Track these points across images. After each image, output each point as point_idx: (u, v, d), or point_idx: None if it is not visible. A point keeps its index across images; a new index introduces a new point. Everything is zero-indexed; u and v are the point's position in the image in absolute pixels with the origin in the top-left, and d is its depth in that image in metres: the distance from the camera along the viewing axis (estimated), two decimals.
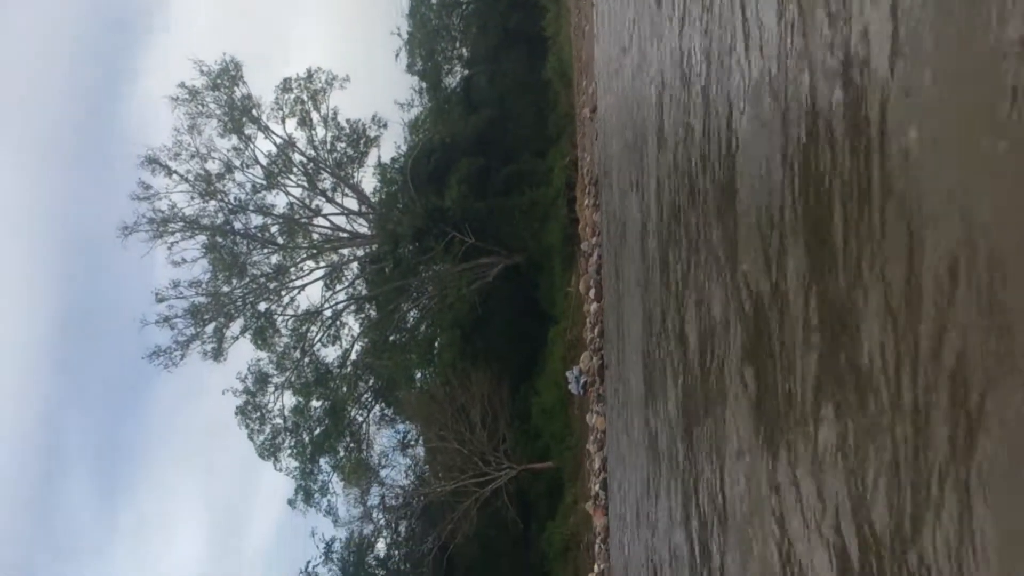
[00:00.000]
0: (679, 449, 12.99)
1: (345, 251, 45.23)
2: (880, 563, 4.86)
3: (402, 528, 42.02)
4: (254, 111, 43.95)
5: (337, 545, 40.61)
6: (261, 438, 42.18)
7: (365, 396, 44.19)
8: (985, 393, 3.55)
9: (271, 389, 42.85)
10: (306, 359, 43.20)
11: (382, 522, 41.29)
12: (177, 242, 42.77)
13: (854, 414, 5.30)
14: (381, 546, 42.04)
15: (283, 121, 44.74)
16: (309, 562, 40.09)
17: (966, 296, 3.66)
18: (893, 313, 4.44)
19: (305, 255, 44.60)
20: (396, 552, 42.18)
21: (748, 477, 8.91)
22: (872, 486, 4.95)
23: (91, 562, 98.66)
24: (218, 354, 42.41)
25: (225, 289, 42.58)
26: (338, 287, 44.71)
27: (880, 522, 4.79)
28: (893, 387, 4.63)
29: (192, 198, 43.57)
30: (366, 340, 43.74)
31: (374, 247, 43.56)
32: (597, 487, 26.31)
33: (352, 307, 44.68)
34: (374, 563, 41.47)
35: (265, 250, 43.97)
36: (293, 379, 42.85)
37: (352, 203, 46.93)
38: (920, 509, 4.37)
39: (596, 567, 26.74)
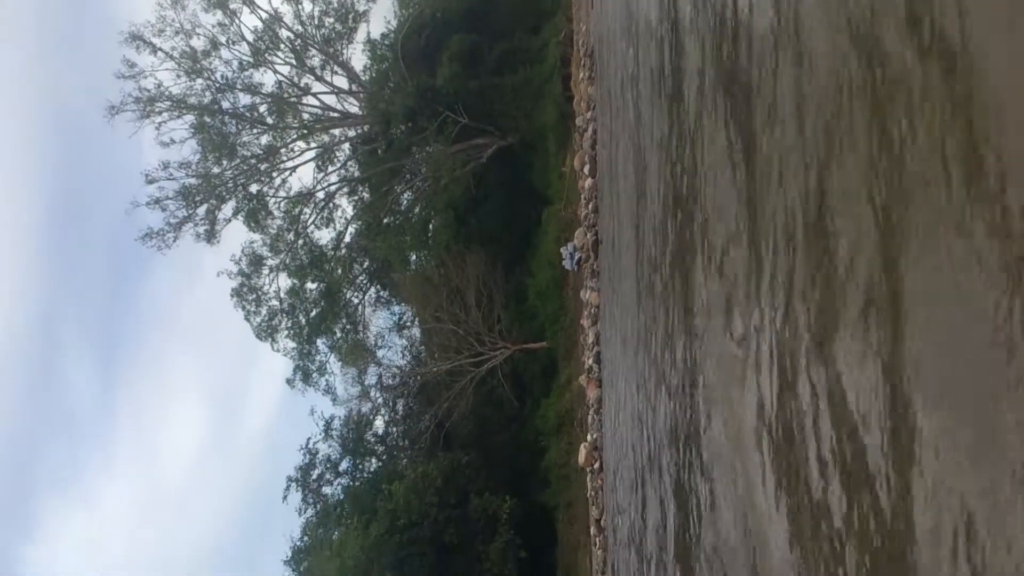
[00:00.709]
0: (670, 318, 13.00)
1: (336, 131, 44.46)
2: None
3: (400, 406, 42.93)
4: None
5: (336, 423, 41.56)
6: (258, 320, 42.57)
7: (360, 278, 44.34)
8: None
9: (266, 271, 42.96)
10: (300, 241, 43.09)
11: (380, 401, 42.15)
12: (165, 122, 41.99)
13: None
14: (379, 424, 43.06)
15: None
16: (309, 439, 41.10)
17: None
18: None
19: (295, 136, 43.85)
20: (394, 429, 43.20)
21: (731, 336, 8.89)
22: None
23: (94, 443, 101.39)
24: (211, 236, 42.29)
25: (215, 171, 42.05)
26: (330, 169, 44.20)
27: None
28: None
29: (178, 76, 42.55)
30: (360, 222, 43.54)
31: (365, 127, 42.80)
32: (591, 361, 26.69)
33: (345, 189, 44.29)
34: (373, 440, 42.51)
35: (254, 130, 43.19)
36: (288, 261, 42.87)
37: (342, 82, 45.88)
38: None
39: (589, 437, 27.38)
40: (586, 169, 28.31)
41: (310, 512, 40.33)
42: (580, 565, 34.16)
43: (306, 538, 39.71)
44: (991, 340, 3.32)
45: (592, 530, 28.22)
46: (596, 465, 26.35)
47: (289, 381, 42.47)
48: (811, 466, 6.22)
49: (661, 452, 13.17)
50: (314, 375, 42.04)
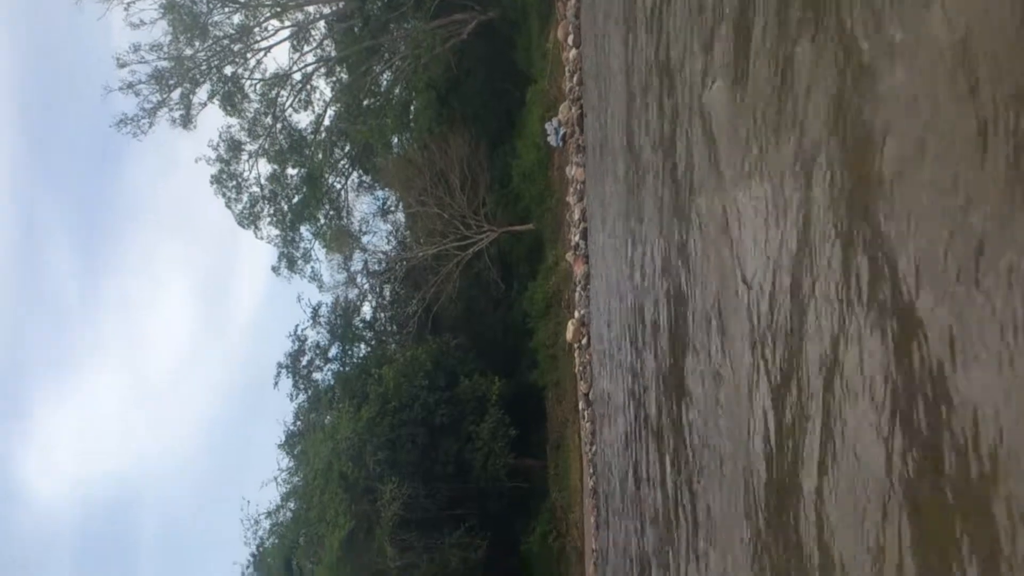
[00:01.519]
0: (657, 187, 12.66)
1: (311, 8, 42.58)
2: None
3: (387, 292, 42.90)
4: None
5: (324, 309, 41.58)
6: (239, 207, 41.88)
7: (342, 163, 43.48)
8: None
9: (245, 157, 41.99)
10: (278, 125, 41.94)
11: (366, 287, 42.08)
12: (133, 2, 40.06)
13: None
14: (367, 309, 43.13)
15: None
16: (297, 326, 41.20)
17: None
18: None
19: (269, 13, 42.00)
20: (382, 315, 43.31)
21: (715, 201, 8.60)
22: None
23: (81, 333, 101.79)
24: (187, 121, 41.06)
25: (188, 52, 40.44)
26: (306, 48, 42.57)
27: None
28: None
29: None
30: (339, 105, 42.33)
31: (341, 3, 41.06)
32: (577, 237, 26.49)
33: (322, 70, 42.80)
34: (361, 325, 42.66)
35: (226, 9, 41.32)
36: (267, 146, 41.85)
37: None
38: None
39: (576, 313, 27.45)
40: (570, 39, 27.34)
41: (301, 398, 40.83)
42: (569, 441, 34.91)
43: (299, 422, 40.30)
44: None
45: (580, 404, 28.66)
46: (583, 341, 26.51)
47: (274, 268, 42.24)
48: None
49: (648, 315, 13.06)
50: (299, 262, 41.75)
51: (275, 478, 37.52)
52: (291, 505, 36.36)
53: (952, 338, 3.91)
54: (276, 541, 34.90)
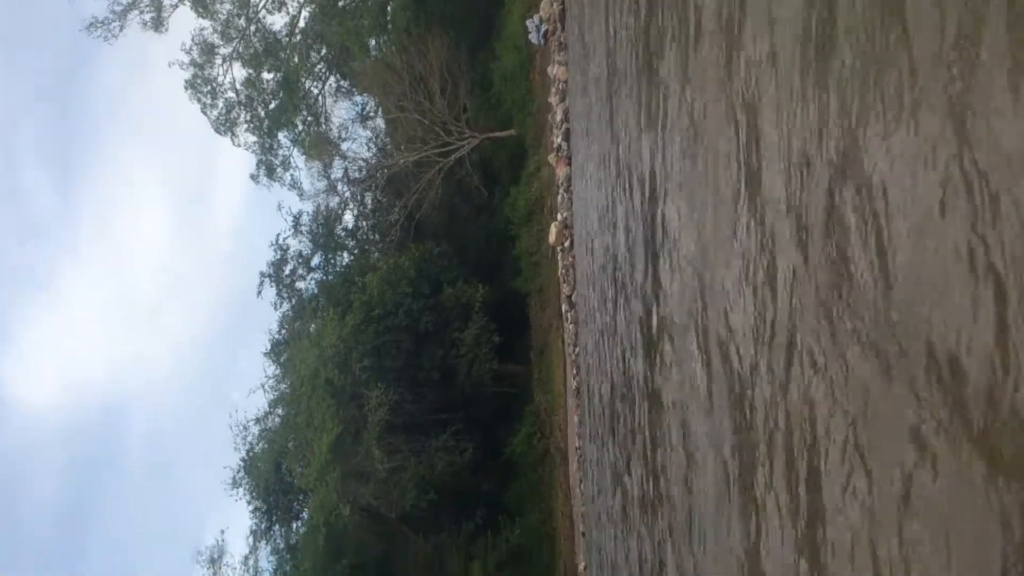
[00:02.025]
0: (640, 84, 12.44)
1: None
2: None
3: (368, 200, 42.56)
4: None
5: (305, 218, 41.27)
6: (215, 113, 41.00)
7: (318, 67, 42.43)
8: None
9: (219, 61, 40.86)
10: (252, 27, 40.68)
11: (347, 195, 41.69)
12: None
13: None
14: (349, 218, 42.83)
15: None
16: (279, 235, 40.93)
17: None
18: None
19: None
20: (364, 223, 43.07)
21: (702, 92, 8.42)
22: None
23: (60, 246, 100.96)
24: (158, 24, 39.79)
25: None
26: None
27: None
28: None
29: None
30: (314, 5, 41.03)
31: None
32: (559, 139, 26.21)
33: None
34: (343, 234, 42.44)
35: None
36: (241, 50, 40.68)
37: None
38: None
39: (559, 216, 27.40)
40: None
41: (285, 306, 40.90)
42: (552, 346, 35.32)
43: (284, 331, 40.47)
44: None
45: (563, 307, 28.87)
46: (567, 243, 26.53)
47: (253, 176, 41.69)
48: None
49: (635, 211, 13.03)
50: (278, 170, 41.19)
51: (262, 385, 37.95)
52: (279, 411, 36.85)
53: None
54: (265, 446, 35.50)
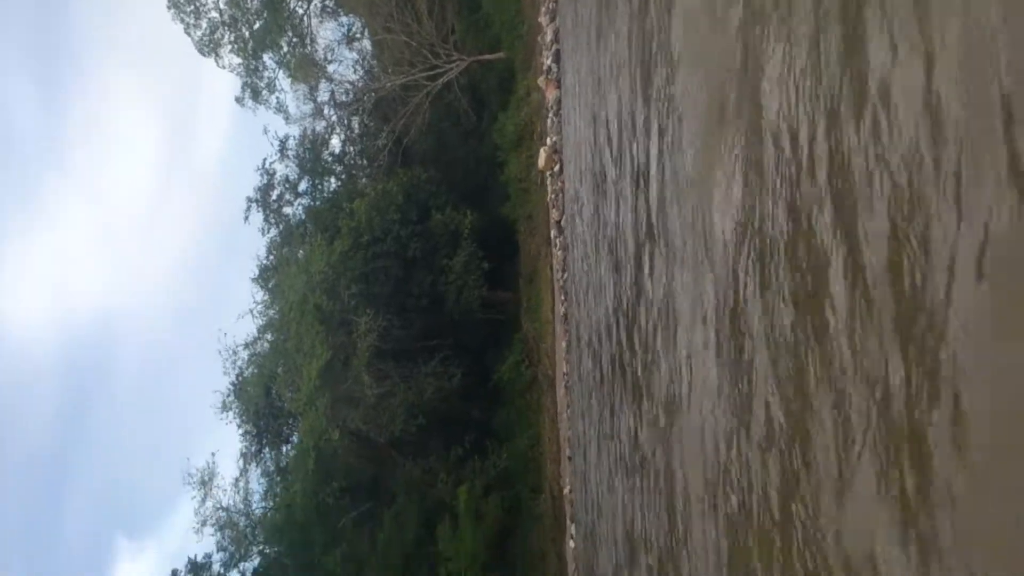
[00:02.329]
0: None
1: None
2: None
3: (355, 124, 41.89)
4: None
5: (291, 142, 40.60)
6: (199, 33, 39.85)
7: None
8: None
9: None
10: None
11: (334, 118, 40.99)
12: None
13: None
14: (336, 142, 42.20)
15: None
16: (265, 159, 40.35)
17: None
18: None
19: None
20: (351, 148, 42.48)
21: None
22: None
23: (47, 167, 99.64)
24: None
25: None
26: None
27: None
28: None
29: None
30: None
31: None
32: (549, 61, 25.70)
33: None
34: (330, 159, 41.88)
35: None
36: None
37: None
38: None
39: (548, 140, 27.07)
40: None
41: (273, 232, 40.58)
42: (541, 273, 35.30)
43: (272, 256, 40.24)
44: None
45: (552, 233, 28.76)
46: (556, 168, 26.27)
47: (239, 99, 40.82)
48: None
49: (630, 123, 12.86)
50: (263, 92, 40.29)
51: (251, 311, 37.91)
52: (268, 337, 36.91)
53: None
54: (255, 371, 35.63)
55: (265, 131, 40.21)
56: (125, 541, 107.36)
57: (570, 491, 26.40)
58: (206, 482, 34.64)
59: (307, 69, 38.79)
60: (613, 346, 14.45)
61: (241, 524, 35.44)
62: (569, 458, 26.36)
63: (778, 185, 5.88)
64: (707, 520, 8.53)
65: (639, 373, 11.97)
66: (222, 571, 34.34)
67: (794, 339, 5.71)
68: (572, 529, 25.60)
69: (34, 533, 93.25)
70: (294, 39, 40.37)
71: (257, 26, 40.14)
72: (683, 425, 9.44)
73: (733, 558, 7.60)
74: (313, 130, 40.39)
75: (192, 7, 39.56)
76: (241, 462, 36.14)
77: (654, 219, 10.99)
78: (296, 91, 39.78)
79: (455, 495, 31.46)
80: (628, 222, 12.26)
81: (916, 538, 4.16)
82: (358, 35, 41.80)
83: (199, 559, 33.90)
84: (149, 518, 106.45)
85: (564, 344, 26.41)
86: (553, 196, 27.35)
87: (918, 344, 4.11)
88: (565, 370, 26.79)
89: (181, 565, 33.62)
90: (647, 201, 11.29)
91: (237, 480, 35.94)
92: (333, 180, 41.89)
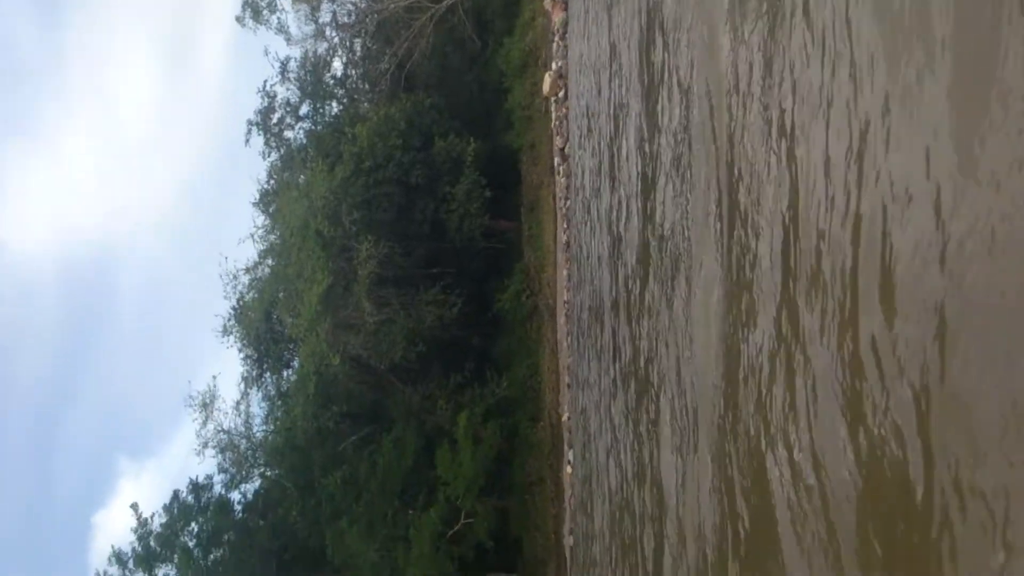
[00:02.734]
0: None
1: None
2: None
3: (357, 47, 41.07)
4: None
5: (293, 65, 39.79)
6: None
7: None
8: None
9: None
10: None
11: (336, 40, 40.14)
12: None
13: None
14: (337, 65, 41.40)
15: None
16: (266, 81, 39.64)
17: None
18: None
19: None
20: (353, 71, 41.72)
21: None
22: None
23: (45, 88, 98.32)
24: None
25: None
26: None
27: None
28: None
29: None
30: None
31: None
32: None
33: None
34: (332, 82, 41.14)
35: None
36: None
37: None
38: None
39: (553, 65, 26.57)
40: None
41: (274, 156, 40.12)
42: (543, 203, 35.07)
43: (272, 181, 39.87)
44: None
45: (555, 160, 28.43)
46: (561, 93, 25.81)
47: (239, 19, 39.81)
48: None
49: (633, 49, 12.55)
50: (264, 12, 39.29)
51: (251, 235, 37.72)
52: (269, 262, 36.79)
53: None
54: (256, 296, 35.61)
55: (266, 53, 39.43)
56: (127, 461, 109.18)
57: (568, 418, 26.65)
58: (207, 405, 34.91)
59: None
60: (617, 269, 14.36)
61: (242, 447, 35.85)
62: (568, 386, 26.54)
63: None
64: (692, 435, 8.55)
65: (641, 293, 11.90)
66: (223, 492, 34.86)
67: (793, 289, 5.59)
68: (570, 455, 25.93)
69: (36, 452, 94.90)
70: None
71: None
72: (681, 343, 9.39)
73: (717, 470, 7.61)
74: (315, 52, 39.61)
75: None
76: (242, 386, 36.41)
77: (663, 143, 10.77)
78: (297, 11, 38.85)
79: (454, 421, 31.75)
80: (633, 144, 12.04)
81: None
82: None
83: (200, 480, 34.38)
84: (151, 440, 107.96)
85: (565, 273, 26.35)
86: (557, 122, 26.95)
87: None
88: (566, 299, 26.79)
89: (183, 486, 34.08)
90: (657, 124, 11.05)
91: (238, 403, 36.25)
92: (335, 104, 41.23)
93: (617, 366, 15.17)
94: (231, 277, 36.08)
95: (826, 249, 5.22)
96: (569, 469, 26.00)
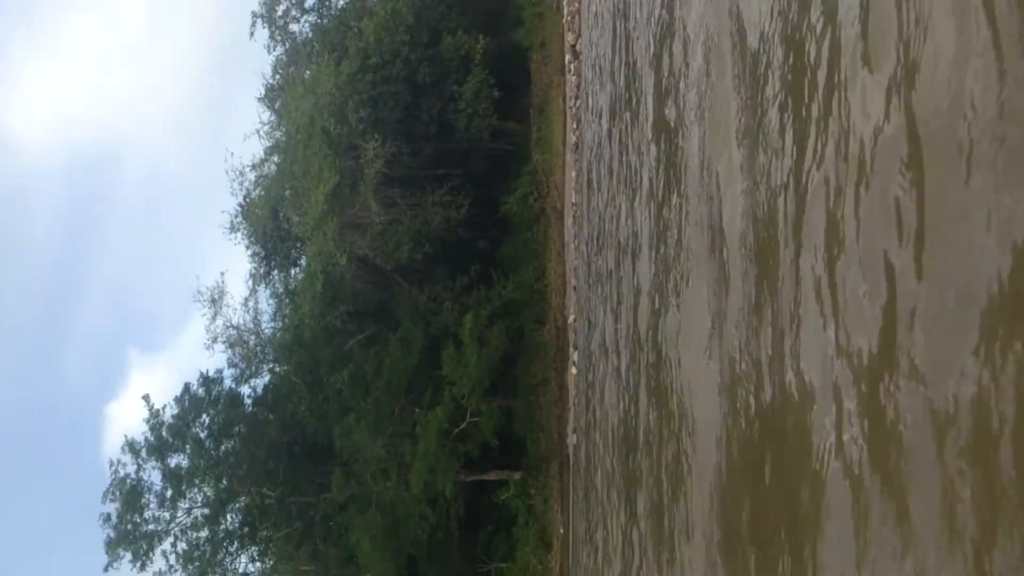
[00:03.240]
0: None
1: None
2: None
3: None
4: None
5: None
6: None
7: None
8: None
9: None
10: None
11: None
12: None
13: None
14: None
15: None
16: None
17: None
18: None
19: None
20: None
21: None
22: None
23: None
24: None
25: None
26: None
27: None
28: None
29: None
30: None
31: None
32: None
33: None
34: None
35: None
36: None
37: None
38: None
39: None
40: None
41: (279, 50, 39.23)
42: (552, 104, 34.49)
43: (278, 76, 39.14)
44: None
45: (566, 58, 27.82)
46: None
47: None
48: None
49: None
50: None
51: (257, 131, 37.27)
52: (275, 159, 36.43)
53: None
54: (262, 193, 35.40)
55: None
56: (137, 354, 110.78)
57: (574, 320, 26.84)
58: (216, 300, 35.09)
59: None
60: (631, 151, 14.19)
61: (251, 343, 36.24)
62: (574, 288, 26.63)
63: None
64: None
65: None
66: (233, 386, 35.40)
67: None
68: (574, 356, 26.21)
69: (46, 343, 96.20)
70: None
71: None
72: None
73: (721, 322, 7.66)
74: None
75: None
76: (250, 282, 36.52)
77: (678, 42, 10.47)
78: None
79: (460, 323, 32.00)
80: (647, 40, 11.72)
81: None
82: None
83: (211, 374, 34.90)
84: (160, 333, 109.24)
85: (573, 174, 26.10)
86: (569, 18, 26.23)
87: None
88: (574, 200, 26.62)
89: (193, 379, 34.59)
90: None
91: (246, 300, 36.43)
92: None
93: (625, 266, 15.16)
94: (237, 173, 35.81)
95: None
96: (573, 370, 26.34)
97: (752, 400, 6.91)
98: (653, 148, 11.83)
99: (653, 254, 11.90)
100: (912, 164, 4.25)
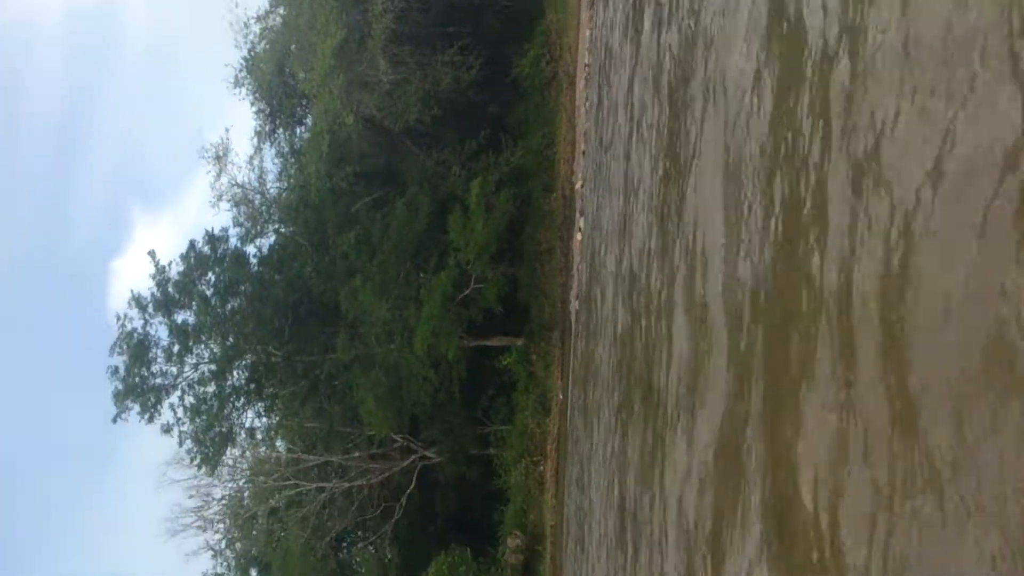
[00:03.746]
0: None
1: None
2: None
3: None
4: None
5: None
6: None
7: None
8: None
9: None
10: None
11: None
12: None
13: None
14: None
15: None
16: None
17: None
18: None
19: None
20: None
21: None
22: None
23: None
24: None
25: None
26: None
27: None
28: None
29: None
30: None
31: None
32: None
33: None
34: None
35: None
36: None
37: None
38: None
39: None
40: None
41: None
42: None
43: None
44: None
45: None
46: None
47: None
48: None
49: None
50: None
51: None
52: (280, 11, 35.11)
53: None
54: (267, 47, 34.27)
55: None
56: (142, 211, 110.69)
57: (582, 186, 26.39)
58: (220, 157, 34.53)
59: None
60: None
61: (256, 202, 35.95)
62: (583, 153, 26.05)
63: None
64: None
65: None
66: (239, 245, 35.28)
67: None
68: (581, 223, 25.90)
69: (51, 197, 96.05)
70: None
71: None
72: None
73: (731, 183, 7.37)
74: None
75: None
76: (255, 140, 35.81)
77: None
78: None
79: (467, 188, 31.55)
80: None
81: None
82: None
83: (216, 232, 34.69)
84: (165, 190, 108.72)
85: (588, 34, 25.05)
86: None
87: None
88: (587, 61, 25.67)
89: (199, 237, 34.41)
90: None
91: (251, 158, 35.85)
92: None
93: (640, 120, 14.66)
94: (242, 25, 34.55)
95: None
96: (579, 236, 26.08)
97: (762, 269, 6.63)
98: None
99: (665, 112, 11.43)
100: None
